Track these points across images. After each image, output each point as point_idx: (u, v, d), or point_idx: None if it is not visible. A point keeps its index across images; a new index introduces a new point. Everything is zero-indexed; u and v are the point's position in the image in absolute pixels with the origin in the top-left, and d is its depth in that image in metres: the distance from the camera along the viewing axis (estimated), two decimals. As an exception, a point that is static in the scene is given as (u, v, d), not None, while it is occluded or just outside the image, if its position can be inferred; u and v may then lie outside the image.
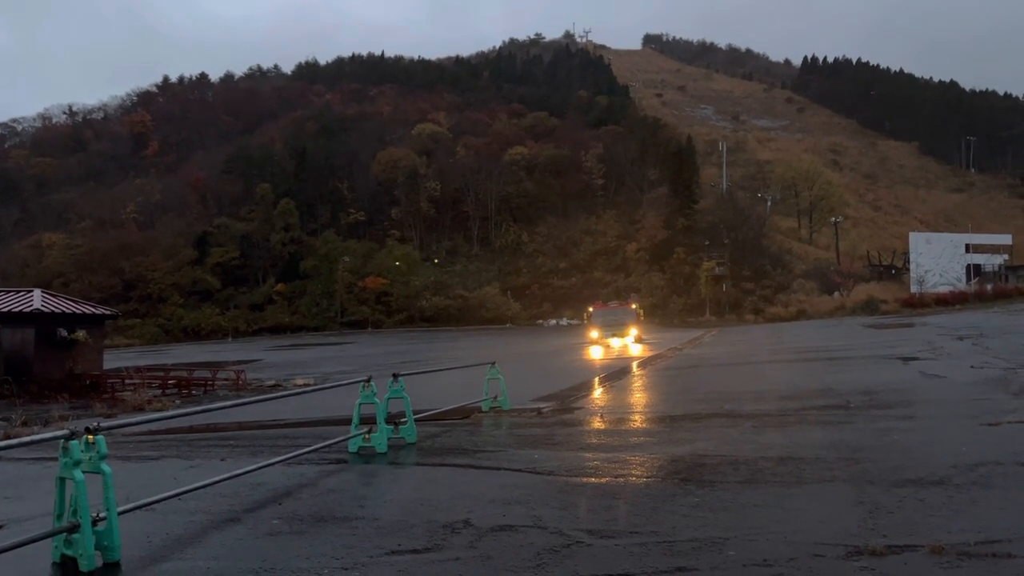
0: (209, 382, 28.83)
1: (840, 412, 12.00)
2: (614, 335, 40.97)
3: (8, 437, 13.08)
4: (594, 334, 42.01)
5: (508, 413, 13.76)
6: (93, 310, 32.66)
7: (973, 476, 6.95)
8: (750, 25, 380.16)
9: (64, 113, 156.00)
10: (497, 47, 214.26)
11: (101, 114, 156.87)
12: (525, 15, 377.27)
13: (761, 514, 6.06)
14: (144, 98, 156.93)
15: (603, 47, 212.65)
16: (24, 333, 27.88)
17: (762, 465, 7.91)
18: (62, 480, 4.98)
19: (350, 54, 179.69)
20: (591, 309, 46.53)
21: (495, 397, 14.20)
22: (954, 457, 7.82)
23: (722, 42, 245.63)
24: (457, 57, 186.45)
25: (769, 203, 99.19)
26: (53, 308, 29.30)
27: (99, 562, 5.03)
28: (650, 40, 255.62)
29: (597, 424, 12.33)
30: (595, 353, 35.41)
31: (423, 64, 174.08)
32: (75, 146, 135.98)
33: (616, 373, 23.28)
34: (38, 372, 27.53)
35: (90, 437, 5.05)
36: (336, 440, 9.72)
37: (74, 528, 4.95)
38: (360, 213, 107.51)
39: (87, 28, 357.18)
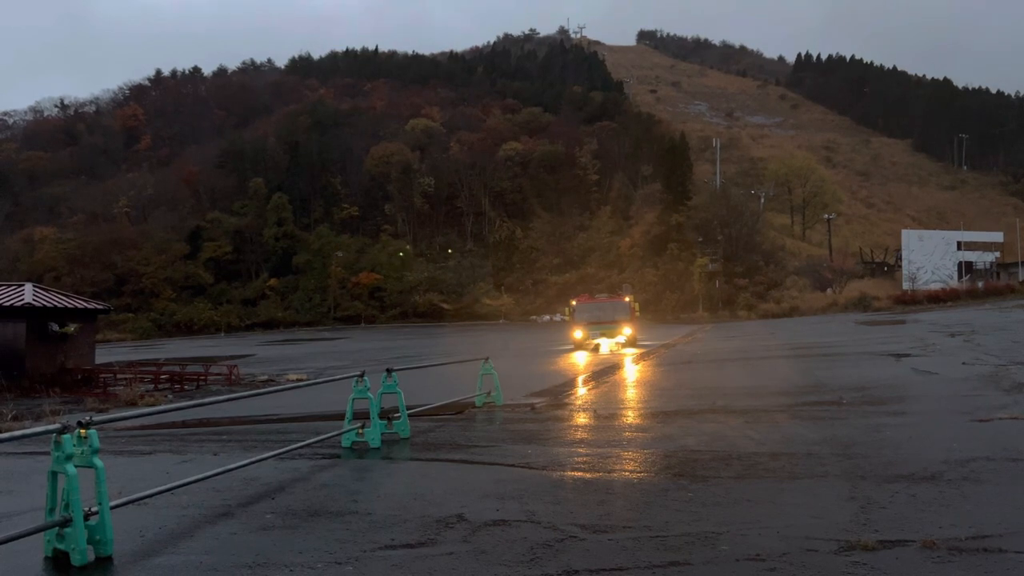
0: (202, 377, 28.69)
1: (832, 408, 12.06)
2: (603, 335, 33.50)
3: (-1, 432, 13.02)
4: (578, 334, 34.11)
5: (501, 408, 13.77)
6: (85, 304, 32.48)
7: (964, 472, 6.99)
8: (744, 22, 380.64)
9: (56, 107, 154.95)
10: (492, 42, 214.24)
11: (93, 108, 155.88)
12: (519, 10, 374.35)
13: (754, 509, 6.08)
14: (136, 92, 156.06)
15: (597, 43, 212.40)
16: (15, 327, 27.73)
17: (755, 460, 7.94)
18: (54, 474, 4.95)
19: (344, 48, 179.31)
20: (574, 303, 37.45)
21: (488, 392, 14.21)
22: (945, 453, 7.87)
23: (716, 39, 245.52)
24: (451, 52, 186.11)
25: (762, 200, 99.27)
26: (44, 302, 29.12)
27: (91, 556, 5.01)
28: (644, 36, 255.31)
29: (590, 420, 12.34)
30: (579, 358, 28.90)
31: (416, 59, 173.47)
32: (67, 140, 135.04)
33: (609, 369, 23.32)
34: (29, 367, 27.38)
35: (82, 431, 5.02)
36: (329, 435, 9.72)
37: (66, 522, 4.92)
38: (353, 208, 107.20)
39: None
